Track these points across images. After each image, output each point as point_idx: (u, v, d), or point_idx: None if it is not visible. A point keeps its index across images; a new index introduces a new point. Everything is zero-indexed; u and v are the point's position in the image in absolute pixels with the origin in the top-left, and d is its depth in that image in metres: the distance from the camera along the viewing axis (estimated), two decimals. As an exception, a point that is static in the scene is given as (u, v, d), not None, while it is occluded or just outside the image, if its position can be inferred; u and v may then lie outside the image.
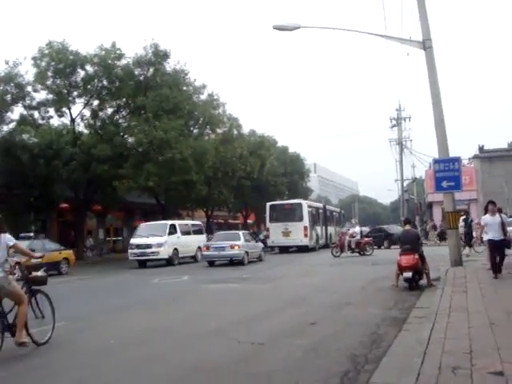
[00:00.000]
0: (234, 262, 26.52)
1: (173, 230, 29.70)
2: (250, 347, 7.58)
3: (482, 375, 5.11)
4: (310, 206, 39.70)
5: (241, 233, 29.63)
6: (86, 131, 38.44)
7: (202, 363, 6.83)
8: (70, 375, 6.52)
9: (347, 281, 16.78)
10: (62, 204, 37.37)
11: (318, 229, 40.70)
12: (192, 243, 30.69)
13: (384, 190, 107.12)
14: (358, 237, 30.21)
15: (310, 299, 12.57)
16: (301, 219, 36.47)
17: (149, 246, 28.00)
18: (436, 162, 17.65)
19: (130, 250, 29.00)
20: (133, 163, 33.78)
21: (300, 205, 38.14)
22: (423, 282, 13.59)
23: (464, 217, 22.51)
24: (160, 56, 37.14)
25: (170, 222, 30.81)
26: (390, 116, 54.85)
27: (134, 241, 29.14)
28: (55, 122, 37.90)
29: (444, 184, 17.22)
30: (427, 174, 50.66)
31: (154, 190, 36.87)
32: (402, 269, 13.19)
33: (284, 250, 37.13)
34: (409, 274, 13.04)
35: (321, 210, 43.80)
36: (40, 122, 36.83)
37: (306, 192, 69.75)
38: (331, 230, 44.73)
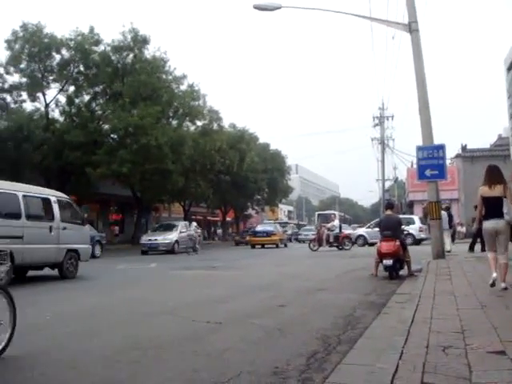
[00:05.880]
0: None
1: None
2: (205, 326, 6.55)
3: (480, 354, 4.14)
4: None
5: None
6: (60, 118, 37.25)
7: (146, 340, 5.80)
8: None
9: (323, 270, 15.78)
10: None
11: None
12: None
13: (365, 192, 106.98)
14: (337, 230, 29.31)
15: (281, 285, 11.57)
16: None
17: None
18: (420, 149, 16.69)
19: None
20: (106, 150, 32.85)
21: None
22: (404, 272, 12.67)
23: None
24: (139, 41, 36.28)
25: None
26: (372, 114, 54.20)
27: None
28: (28, 106, 36.66)
29: (427, 172, 16.31)
30: (408, 172, 49.96)
31: (129, 179, 35.71)
32: (381, 256, 12.25)
33: None
34: (389, 262, 12.09)
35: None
36: (12, 105, 35.59)
37: (286, 190, 68.62)
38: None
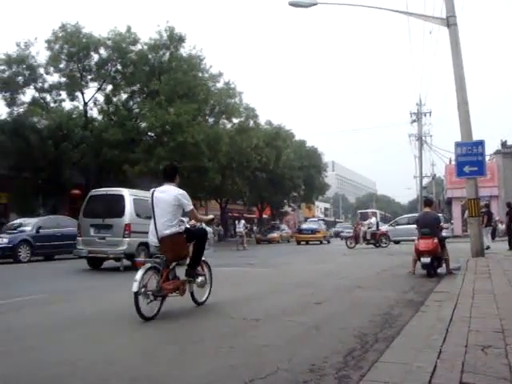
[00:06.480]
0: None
1: None
2: (243, 322, 6.60)
3: (521, 355, 4.09)
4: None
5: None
6: (98, 117, 37.80)
7: (184, 336, 5.89)
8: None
9: (360, 268, 15.72)
10: (74, 190, 36.56)
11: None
12: None
13: (402, 189, 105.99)
14: (374, 228, 29.13)
15: (318, 282, 11.57)
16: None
17: None
18: (458, 145, 16.43)
19: None
20: (144, 148, 33.21)
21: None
22: (442, 270, 12.51)
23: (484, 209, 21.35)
24: (175, 40, 36.53)
25: None
26: (410, 111, 53.62)
27: None
28: (67, 105, 37.28)
29: (466, 169, 16.04)
30: (447, 168, 49.27)
31: (166, 177, 36.02)
32: (419, 253, 12.11)
33: None
34: (427, 260, 11.94)
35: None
36: (52, 105, 36.25)
37: (322, 187, 68.41)
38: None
